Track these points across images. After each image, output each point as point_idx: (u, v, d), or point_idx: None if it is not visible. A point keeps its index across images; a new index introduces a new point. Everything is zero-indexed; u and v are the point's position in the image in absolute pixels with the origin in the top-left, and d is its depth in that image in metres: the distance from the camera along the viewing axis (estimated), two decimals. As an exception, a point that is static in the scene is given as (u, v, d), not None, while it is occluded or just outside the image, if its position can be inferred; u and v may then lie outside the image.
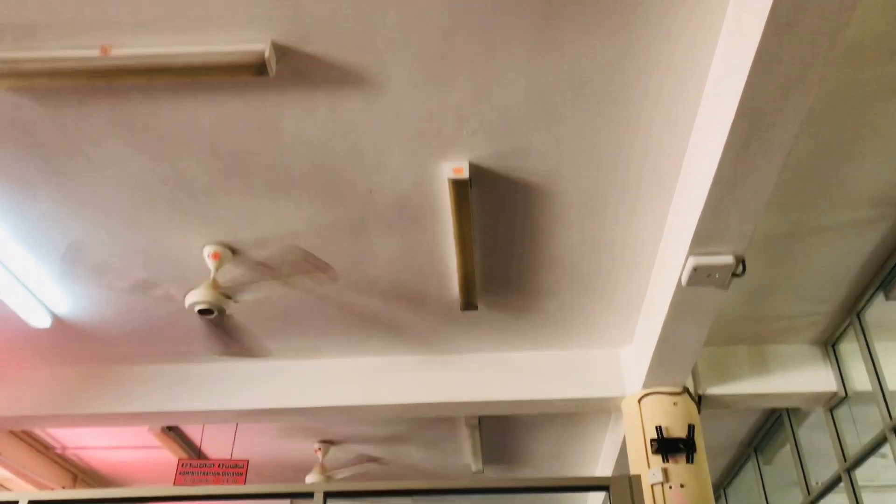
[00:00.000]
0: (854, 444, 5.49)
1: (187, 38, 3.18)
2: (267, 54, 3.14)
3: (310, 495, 3.12)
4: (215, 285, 4.32)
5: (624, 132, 3.67)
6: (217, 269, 4.47)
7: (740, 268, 3.91)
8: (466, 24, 3.11)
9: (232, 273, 4.68)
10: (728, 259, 3.84)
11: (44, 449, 7.64)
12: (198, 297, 4.25)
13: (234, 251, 4.54)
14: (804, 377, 5.60)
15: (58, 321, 5.30)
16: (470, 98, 3.47)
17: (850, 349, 5.47)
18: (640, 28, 3.13)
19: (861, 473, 5.42)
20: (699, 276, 3.92)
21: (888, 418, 4.90)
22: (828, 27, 2.61)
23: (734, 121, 3.01)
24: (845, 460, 5.52)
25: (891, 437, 4.86)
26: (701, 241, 3.74)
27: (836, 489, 5.71)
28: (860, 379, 5.33)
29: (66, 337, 5.52)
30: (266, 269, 4.62)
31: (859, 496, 5.40)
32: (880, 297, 4.98)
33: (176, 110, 3.56)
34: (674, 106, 3.52)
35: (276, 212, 4.23)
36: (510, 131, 3.66)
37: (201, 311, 4.29)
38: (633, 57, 3.26)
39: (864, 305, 5.13)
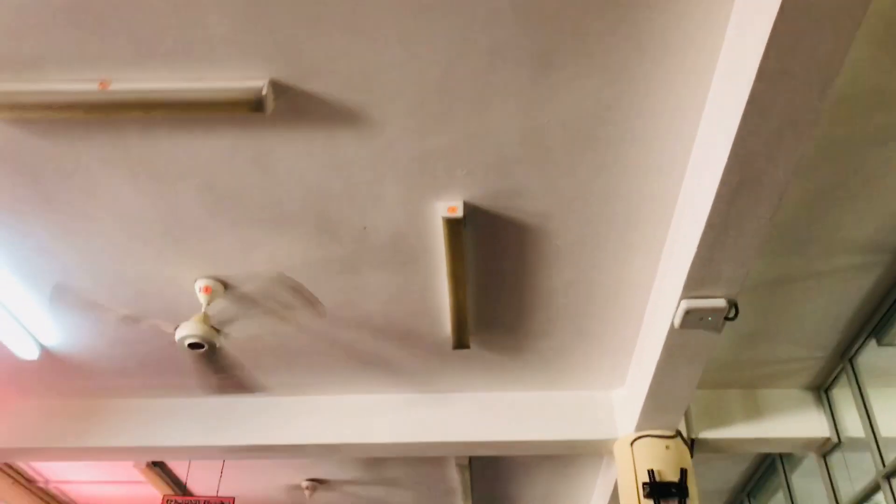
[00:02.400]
0: (847, 491, 5.44)
1: (186, 74, 3.20)
2: (265, 92, 3.16)
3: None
4: (206, 319, 4.29)
5: (617, 175, 3.70)
6: (208, 303, 4.45)
7: (733, 311, 3.90)
8: (463, 67, 3.15)
9: (224, 307, 4.65)
10: (721, 303, 3.84)
11: (26, 483, 7.52)
12: (188, 330, 4.22)
13: (226, 286, 4.52)
14: (797, 422, 5.57)
15: (46, 353, 5.25)
16: (465, 138, 3.50)
17: (843, 395, 5.45)
18: (633, 73, 3.16)
19: (854, 521, 5.37)
20: (692, 319, 3.91)
21: (881, 465, 4.87)
22: (819, 76, 2.64)
23: (726, 166, 3.03)
24: (838, 508, 5.47)
25: (884, 484, 4.82)
26: (693, 284, 3.74)
27: (830, 537, 5.65)
28: (853, 425, 5.30)
29: (53, 369, 5.47)
30: (256, 304, 4.60)
31: (853, 544, 5.35)
32: (872, 342, 4.98)
33: (172, 145, 3.57)
34: (667, 150, 3.54)
35: (270, 247, 4.23)
36: (504, 172, 3.68)
37: (191, 346, 4.26)
38: (627, 101, 3.30)
39: (857, 351, 5.13)
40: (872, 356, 5.08)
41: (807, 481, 6.14)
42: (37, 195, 3.88)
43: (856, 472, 5.36)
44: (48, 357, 5.30)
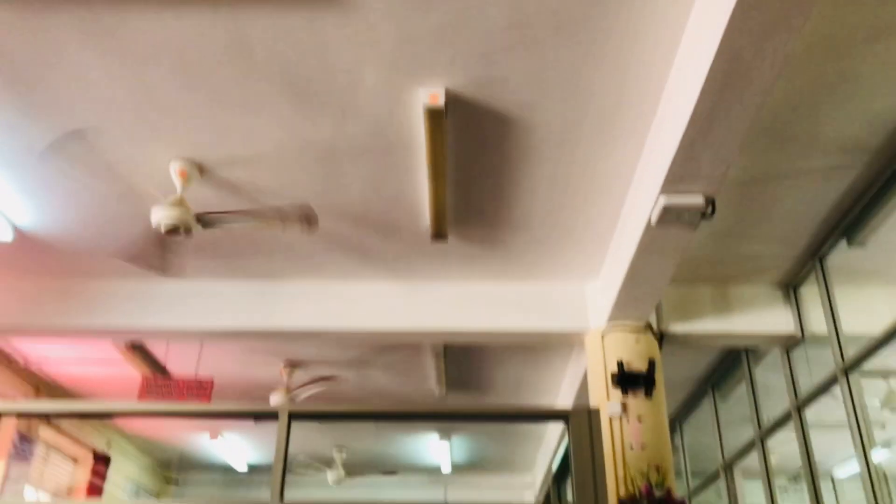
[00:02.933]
0: (807, 384, 5.66)
1: (156, -56, 3.04)
2: (240, -34, 3.01)
3: (274, 416, 3.14)
4: (182, 203, 4.25)
5: (603, 67, 3.62)
6: (184, 187, 4.39)
7: (710, 209, 3.93)
8: (448, -55, 3.01)
9: (200, 192, 4.60)
10: (699, 199, 3.85)
11: (6, 361, 7.60)
12: (164, 213, 4.17)
13: (201, 169, 4.46)
14: (765, 318, 5.73)
15: (20, 234, 5.20)
16: (449, 23, 3.39)
17: (810, 293, 5.58)
18: (626, -41, 3.05)
19: (811, 413, 5.61)
20: (669, 215, 3.94)
21: (840, 360, 5.05)
22: (815, -32, 2.56)
23: (713, 62, 2.98)
24: (797, 399, 5.70)
25: (841, 378, 5.01)
26: (673, 180, 3.74)
27: (787, 426, 5.91)
28: (818, 322, 5.46)
29: (29, 249, 5.43)
30: (234, 190, 4.55)
31: (807, 433, 5.60)
32: (843, 243, 5.06)
33: (144, 21, 3.43)
34: (654, 43, 3.46)
35: (246, 131, 4.14)
36: (489, 59, 3.59)
37: (168, 230, 4.23)
38: (617, -11, 3.19)
39: (827, 251, 5.22)
40: (842, 256, 5.18)
41: (769, 374, 6.37)
42: (7, 72, 3.74)
43: (816, 367, 5.56)
44: (23, 238, 5.26)
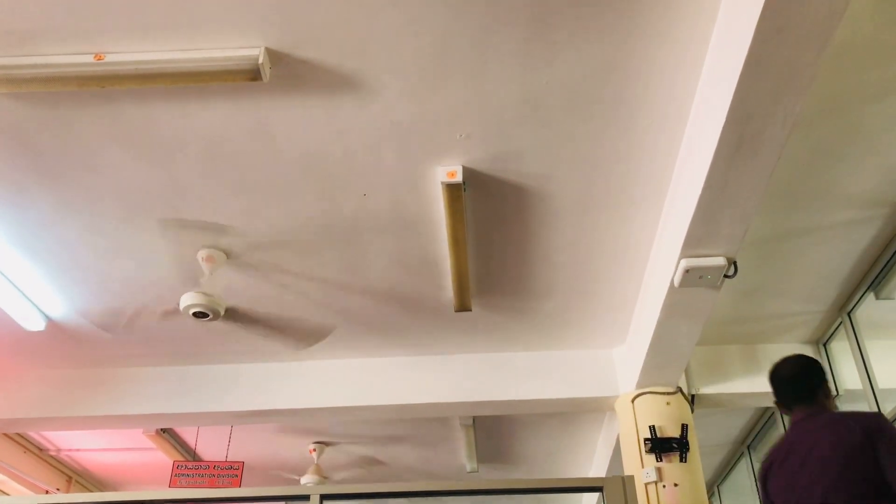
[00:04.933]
0: (845, 442, 5.52)
1: (181, 44, 3.19)
2: (261, 60, 3.15)
3: (306, 498, 3.12)
4: (209, 288, 4.33)
5: (616, 136, 3.70)
6: (211, 272, 4.48)
7: (732, 269, 3.94)
8: (459, 30, 3.13)
9: (227, 276, 4.69)
10: (720, 261, 3.86)
11: (38, 451, 7.63)
12: (192, 300, 4.26)
13: (228, 254, 4.55)
14: (796, 376, 5.63)
15: (52, 324, 5.30)
16: (463, 102, 3.49)
17: (841, 348, 5.51)
18: (631, 33, 3.15)
19: (852, 471, 5.46)
20: (691, 277, 3.95)
21: (879, 416, 4.94)
22: (817, 32, 2.63)
23: (725, 125, 3.03)
24: (837, 458, 5.55)
25: (881, 435, 4.89)
26: (693, 243, 3.77)
27: (828, 487, 5.74)
28: (851, 377, 5.37)
29: (59, 339, 5.52)
30: (258, 271, 4.63)
31: (851, 493, 5.44)
32: (870, 296, 5.02)
33: (170, 115, 3.57)
34: (665, 110, 3.54)
35: (270, 215, 4.24)
36: (503, 135, 3.68)
37: (196, 314, 4.30)
38: (625, 62, 3.29)
39: (855, 305, 5.17)
40: (870, 310, 5.13)
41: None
42: (36, 168, 3.89)
43: (854, 423, 5.44)
44: (54, 328, 5.35)
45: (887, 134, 3.78)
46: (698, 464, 5.12)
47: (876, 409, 4.97)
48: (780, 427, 6.49)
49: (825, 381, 2.98)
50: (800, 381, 2.96)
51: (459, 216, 4.06)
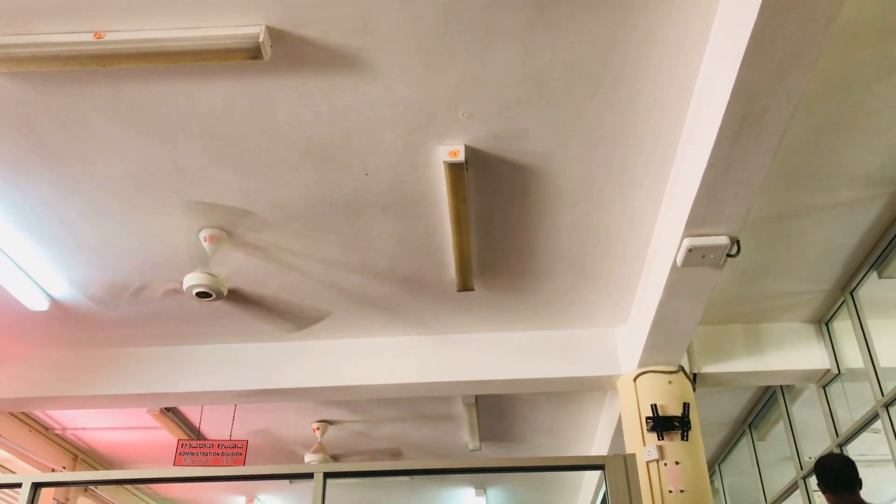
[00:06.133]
0: (846, 420, 5.56)
1: (182, 22, 3.17)
2: (261, 38, 3.13)
3: (310, 476, 3.15)
4: (212, 268, 4.34)
5: (619, 114, 3.68)
6: (213, 252, 4.49)
7: (735, 248, 3.93)
8: (461, 7, 3.11)
9: (230, 256, 4.69)
10: (723, 240, 3.86)
11: (44, 430, 7.69)
12: (196, 280, 4.27)
13: (230, 234, 4.55)
14: (798, 355, 5.65)
15: (55, 304, 5.32)
16: (465, 81, 3.47)
17: (843, 327, 5.51)
18: (634, 11, 3.12)
19: (853, 449, 5.49)
20: (694, 256, 3.95)
21: (880, 394, 4.96)
22: (822, 11, 2.61)
23: (728, 104, 3.01)
24: (837, 436, 5.59)
25: (882, 412, 4.92)
26: (696, 222, 3.76)
27: (829, 465, 5.78)
28: (853, 356, 5.38)
29: (63, 320, 5.54)
30: (261, 251, 4.63)
31: (851, 471, 5.47)
32: (873, 275, 5.02)
33: (170, 94, 3.55)
34: (669, 89, 3.52)
35: (273, 194, 4.24)
36: (505, 114, 3.66)
37: (199, 294, 4.32)
38: (628, 40, 3.26)
39: (858, 284, 5.17)
40: (873, 289, 5.13)
41: (807, 412, 6.26)
42: (38, 148, 3.88)
43: (855, 402, 5.47)
44: (58, 308, 5.37)
45: (892, 113, 3.76)
46: (700, 442, 5.15)
47: (878, 388, 4.99)
48: (781, 406, 6.51)
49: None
50: (850, 475, 3.61)
51: (462, 195, 4.05)
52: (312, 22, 3.17)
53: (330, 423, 7.50)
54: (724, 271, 4.15)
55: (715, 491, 8.25)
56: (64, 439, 7.99)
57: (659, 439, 5.08)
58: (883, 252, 4.80)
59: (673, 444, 5.07)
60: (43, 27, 3.19)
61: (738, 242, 3.91)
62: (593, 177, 4.11)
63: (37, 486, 3.23)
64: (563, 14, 3.14)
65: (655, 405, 5.17)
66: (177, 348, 5.92)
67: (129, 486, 9.36)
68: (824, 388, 5.81)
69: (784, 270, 5.10)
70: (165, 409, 7.05)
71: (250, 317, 5.50)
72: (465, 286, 4.94)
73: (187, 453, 6.19)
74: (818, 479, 3.70)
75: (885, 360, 5.07)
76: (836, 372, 5.54)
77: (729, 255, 3.97)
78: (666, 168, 4.04)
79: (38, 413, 7.43)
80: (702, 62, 3.36)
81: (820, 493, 5.95)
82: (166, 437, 7.81)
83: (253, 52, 3.17)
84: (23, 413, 7.33)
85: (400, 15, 3.14)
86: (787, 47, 2.76)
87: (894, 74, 3.53)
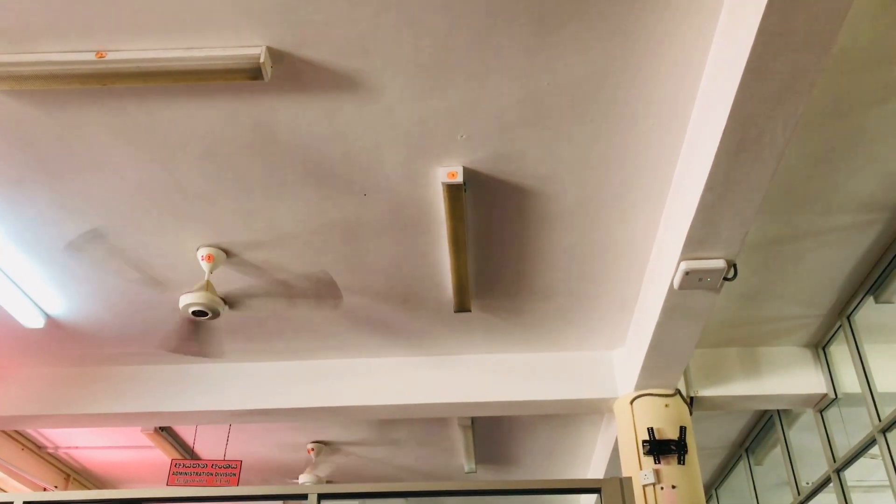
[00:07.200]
0: (844, 445, 5.54)
1: (183, 42, 3.19)
2: (262, 59, 3.15)
3: (304, 497, 3.12)
4: (209, 287, 4.33)
5: (617, 137, 3.70)
6: (211, 271, 4.48)
7: (732, 272, 3.94)
8: (461, 30, 3.13)
9: (227, 275, 4.69)
10: (720, 263, 3.87)
11: (36, 448, 7.63)
12: (192, 299, 4.26)
13: (228, 253, 4.55)
14: (795, 379, 5.64)
15: (51, 321, 5.30)
16: (464, 103, 3.49)
17: (840, 352, 5.51)
18: (632, 34, 3.15)
19: (850, 474, 5.47)
20: (691, 279, 3.95)
21: (877, 420, 4.95)
22: (818, 37, 2.64)
23: (726, 127, 3.03)
24: (835, 461, 5.56)
25: (879, 438, 4.90)
26: (693, 245, 3.77)
27: (826, 489, 5.76)
28: (850, 381, 5.37)
29: (59, 337, 5.52)
30: (259, 271, 4.63)
31: (848, 496, 5.45)
32: (870, 300, 5.02)
33: (171, 113, 3.57)
34: (666, 112, 3.54)
35: (270, 214, 4.24)
36: (504, 136, 3.68)
37: (195, 314, 4.30)
38: (626, 63, 3.29)
39: (855, 308, 5.17)
40: (870, 313, 5.13)
41: (804, 436, 6.24)
42: (37, 165, 3.89)
43: (852, 427, 5.45)
44: (54, 326, 5.35)
45: (888, 138, 3.78)
46: (696, 466, 5.12)
47: (875, 414, 4.97)
48: (778, 430, 6.49)
49: None
50: None
51: (460, 217, 4.06)
52: (313, 43, 3.19)
53: (325, 443, 7.45)
54: (720, 295, 4.16)
55: (712, 516, 8.19)
56: (56, 458, 7.93)
57: (655, 463, 5.05)
58: (879, 277, 4.81)
59: (669, 468, 5.04)
60: (45, 46, 3.21)
61: (735, 266, 3.92)
62: (591, 199, 4.12)
63: (29, 506, 3.19)
64: (561, 37, 3.16)
65: (652, 428, 5.15)
66: (172, 367, 5.89)
67: (121, 507, 9.27)
68: (821, 412, 5.79)
69: (781, 294, 5.10)
70: (160, 428, 7.00)
71: (246, 336, 5.48)
72: (462, 307, 4.93)
73: (181, 473, 6.14)
74: None
75: (882, 385, 5.06)
76: (833, 396, 5.53)
77: (726, 279, 3.97)
78: (664, 191, 4.05)
79: (30, 432, 7.38)
80: (699, 86, 3.38)
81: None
82: (160, 456, 7.75)
83: (254, 73, 3.19)
84: (15, 431, 7.27)
85: (400, 37, 3.16)
86: (784, 72, 2.78)
87: (891, 100, 3.56)
